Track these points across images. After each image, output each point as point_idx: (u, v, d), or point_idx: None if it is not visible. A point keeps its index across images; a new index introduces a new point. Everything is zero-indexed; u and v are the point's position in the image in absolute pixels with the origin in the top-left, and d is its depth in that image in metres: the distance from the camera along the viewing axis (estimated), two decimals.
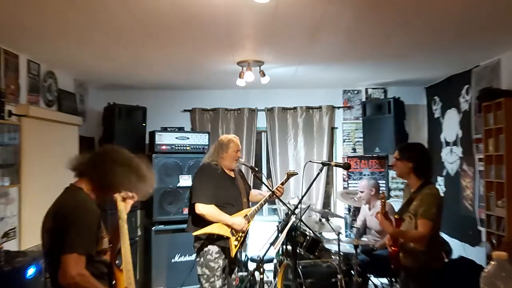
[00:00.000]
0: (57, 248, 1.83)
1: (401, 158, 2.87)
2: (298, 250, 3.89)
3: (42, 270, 3.22)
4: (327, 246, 4.33)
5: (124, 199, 2.17)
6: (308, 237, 4.02)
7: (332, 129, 5.88)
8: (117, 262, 2.15)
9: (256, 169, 3.78)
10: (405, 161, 2.84)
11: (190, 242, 3.54)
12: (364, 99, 5.83)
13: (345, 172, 5.80)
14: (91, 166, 2.02)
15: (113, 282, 2.05)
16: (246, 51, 3.88)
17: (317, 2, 2.68)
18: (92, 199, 1.99)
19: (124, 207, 2.16)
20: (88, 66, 4.49)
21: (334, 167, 5.74)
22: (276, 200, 3.69)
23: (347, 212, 5.65)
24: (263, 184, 3.73)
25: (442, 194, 2.86)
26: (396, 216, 2.84)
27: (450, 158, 5.02)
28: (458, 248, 4.57)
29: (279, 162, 5.75)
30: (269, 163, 5.83)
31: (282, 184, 3.74)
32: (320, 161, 3.23)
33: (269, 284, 4.64)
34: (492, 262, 1.41)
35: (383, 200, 2.90)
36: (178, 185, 5.03)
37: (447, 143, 5.11)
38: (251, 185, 4.11)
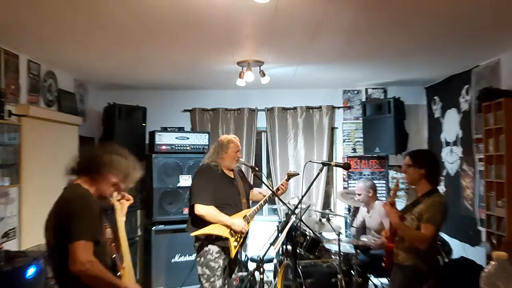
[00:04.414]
0: (63, 241, 1.87)
1: (413, 165, 2.89)
2: (298, 250, 3.89)
3: (42, 270, 3.22)
4: (327, 246, 4.33)
5: (119, 200, 2.27)
6: (308, 237, 4.02)
7: (332, 129, 5.88)
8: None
9: (257, 169, 3.78)
10: (418, 167, 2.86)
11: (190, 242, 3.54)
12: (364, 99, 5.83)
13: (345, 172, 5.80)
14: (81, 160, 2.15)
15: (118, 274, 2.08)
16: (246, 51, 3.88)
17: (317, 2, 2.68)
18: (91, 193, 2.05)
19: (120, 208, 2.27)
20: (88, 66, 4.49)
21: (334, 167, 5.74)
22: (276, 200, 3.69)
23: (347, 212, 5.65)
24: (263, 184, 3.72)
25: (447, 203, 2.89)
26: (399, 214, 2.86)
27: (450, 158, 5.02)
28: (458, 248, 4.56)
29: (279, 162, 5.75)
30: (269, 163, 5.83)
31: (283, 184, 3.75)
32: (320, 161, 3.23)
33: (269, 284, 4.64)
34: (492, 262, 1.41)
35: (396, 188, 2.95)
36: (178, 185, 5.03)
37: (447, 143, 5.11)
38: (251, 185, 4.10)
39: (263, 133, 6.00)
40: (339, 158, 5.88)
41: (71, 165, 2.11)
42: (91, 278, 1.85)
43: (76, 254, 1.82)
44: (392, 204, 2.86)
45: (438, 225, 2.72)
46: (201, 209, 3.32)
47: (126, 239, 2.21)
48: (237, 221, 3.38)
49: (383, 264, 2.99)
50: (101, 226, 2.00)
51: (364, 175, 5.75)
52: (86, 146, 2.29)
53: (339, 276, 3.84)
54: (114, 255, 2.11)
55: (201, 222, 3.34)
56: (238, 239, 3.42)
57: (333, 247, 4.21)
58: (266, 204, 3.73)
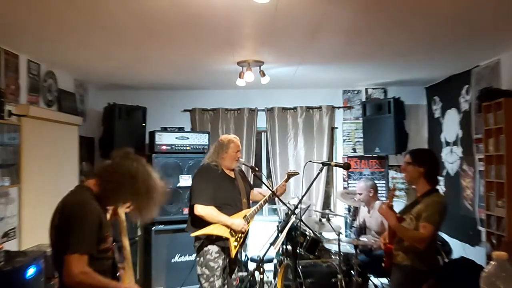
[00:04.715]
0: (61, 247, 1.87)
1: (413, 163, 2.89)
2: (298, 250, 3.89)
3: (42, 270, 3.22)
4: (327, 246, 4.33)
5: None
6: (308, 237, 4.02)
7: (332, 129, 5.88)
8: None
9: (256, 169, 3.78)
10: (417, 165, 2.86)
11: (190, 242, 3.54)
12: (364, 99, 5.83)
13: (345, 172, 5.80)
14: (103, 174, 2.03)
15: (117, 274, 2.08)
16: (246, 51, 3.88)
17: (317, 2, 2.68)
18: (95, 202, 2.01)
19: (122, 210, 2.24)
20: (88, 66, 4.49)
21: (334, 167, 5.74)
22: (276, 200, 3.69)
23: (347, 212, 5.65)
24: (263, 184, 3.72)
25: (446, 202, 2.89)
26: (398, 215, 2.86)
27: (450, 158, 5.02)
28: (458, 248, 4.57)
29: (279, 162, 5.75)
30: (269, 163, 5.83)
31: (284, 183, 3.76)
32: (320, 161, 3.22)
33: (269, 284, 4.64)
34: (492, 262, 1.41)
35: (392, 192, 2.92)
36: (178, 185, 5.02)
37: (447, 143, 5.11)
38: (252, 185, 4.10)
39: (263, 133, 6.00)
40: (339, 158, 5.88)
41: (88, 169, 2.08)
42: (86, 287, 1.86)
43: (69, 267, 1.83)
44: (389, 207, 2.86)
45: (437, 224, 2.72)
46: (200, 209, 3.32)
47: (127, 239, 2.21)
48: (236, 221, 3.38)
49: (383, 264, 3.00)
50: (99, 237, 1.95)
51: (364, 175, 5.75)
52: (115, 154, 2.07)
53: (339, 276, 3.84)
54: (115, 255, 2.11)
55: (201, 222, 3.34)
56: (238, 239, 3.42)
57: (333, 247, 4.21)
58: (266, 204, 3.73)
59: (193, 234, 3.37)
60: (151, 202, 2.04)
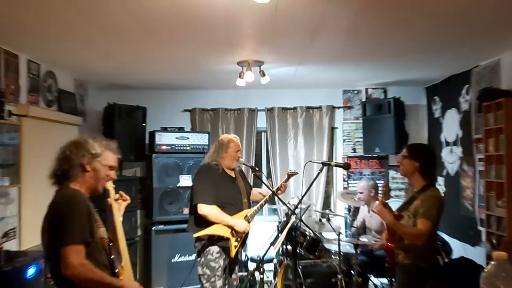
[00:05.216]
0: (55, 244, 1.87)
1: (408, 157, 2.88)
2: (298, 250, 3.90)
3: (42, 270, 3.22)
4: (327, 246, 4.33)
5: (116, 200, 2.27)
6: (308, 237, 4.02)
7: (332, 129, 5.88)
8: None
9: (257, 169, 3.78)
10: (413, 160, 2.85)
11: (190, 242, 3.54)
12: (364, 99, 5.83)
13: (345, 172, 5.80)
14: (55, 168, 2.11)
15: (116, 270, 2.07)
16: (246, 51, 3.88)
17: (317, 2, 2.68)
18: (81, 193, 2.04)
19: (118, 208, 2.26)
20: (88, 66, 4.49)
21: (334, 167, 5.74)
22: (276, 200, 3.69)
23: (347, 212, 5.65)
24: (263, 184, 3.72)
25: (443, 197, 2.87)
26: (395, 213, 2.86)
27: (450, 158, 5.02)
28: (458, 248, 4.56)
29: (279, 162, 5.75)
30: (269, 163, 5.83)
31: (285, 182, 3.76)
32: (320, 161, 3.23)
33: (269, 284, 4.64)
34: (492, 262, 1.41)
35: (384, 189, 2.92)
36: (178, 185, 5.03)
37: (447, 143, 5.11)
38: (251, 185, 4.11)
39: (263, 133, 6.00)
40: (339, 158, 5.88)
41: (52, 177, 2.09)
42: (85, 280, 1.85)
43: (67, 259, 1.82)
44: (384, 205, 2.85)
45: (434, 219, 2.69)
46: (204, 209, 3.32)
47: (124, 239, 2.21)
48: (240, 222, 3.37)
49: (386, 265, 2.99)
50: (91, 226, 1.97)
51: (364, 175, 5.75)
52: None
53: (339, 276, 3.84)
54: (113, 256, 2.10)
55: (204, 222, 3.34)
56: (238, 239, 3.42)
57: (333, 247, 4.21)
58: (266, 204, 3.73)
59: (196, 235, 3.36)
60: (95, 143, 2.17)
